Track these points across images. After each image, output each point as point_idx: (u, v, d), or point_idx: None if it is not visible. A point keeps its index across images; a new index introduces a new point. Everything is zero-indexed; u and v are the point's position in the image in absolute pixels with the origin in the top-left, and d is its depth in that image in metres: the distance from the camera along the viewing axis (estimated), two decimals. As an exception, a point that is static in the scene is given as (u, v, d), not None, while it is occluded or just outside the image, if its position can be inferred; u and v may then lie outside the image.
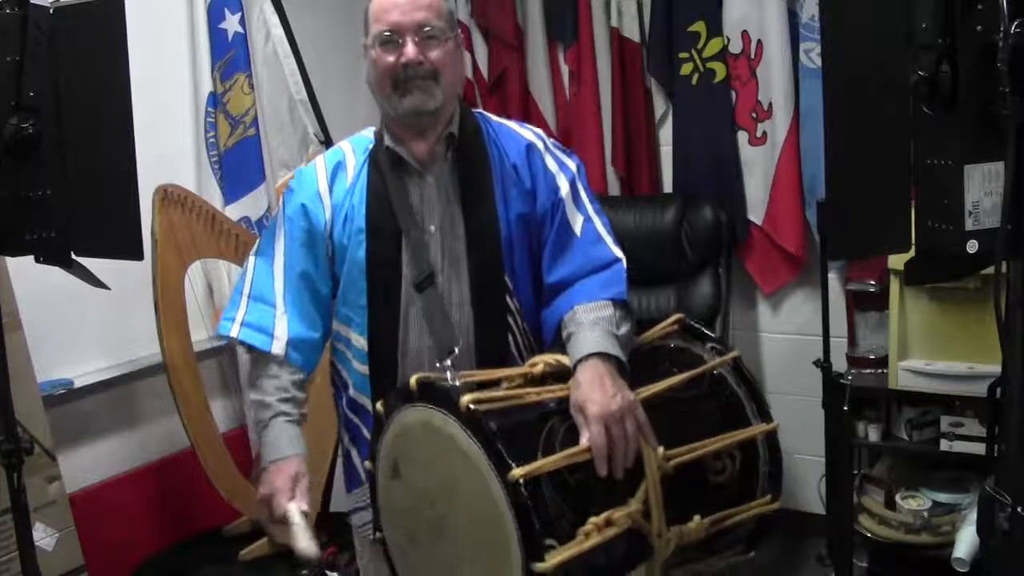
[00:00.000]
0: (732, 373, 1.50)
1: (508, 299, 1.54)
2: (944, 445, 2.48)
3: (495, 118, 1.64)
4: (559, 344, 1.48)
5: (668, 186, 3.17)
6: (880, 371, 2.56)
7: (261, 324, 1.54)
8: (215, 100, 2.64)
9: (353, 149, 1.60)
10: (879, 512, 2.55)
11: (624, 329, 1.46)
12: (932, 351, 2.43)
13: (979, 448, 2.39)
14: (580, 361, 1.37)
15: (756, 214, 2.99)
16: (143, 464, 2.54)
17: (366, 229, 1.52)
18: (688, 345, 1.56)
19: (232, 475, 2.43)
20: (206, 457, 2.36)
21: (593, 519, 1.24)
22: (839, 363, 2.46)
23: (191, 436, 2.34)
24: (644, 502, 1.30)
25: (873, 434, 2.62)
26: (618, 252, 1.56)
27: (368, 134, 1.62)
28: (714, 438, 1.41)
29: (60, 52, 1.46)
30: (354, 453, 1.62)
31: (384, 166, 1.54)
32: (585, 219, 1.56)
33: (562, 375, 1.40)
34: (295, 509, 1.41)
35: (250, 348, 1.56)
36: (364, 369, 1.55)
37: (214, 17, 2.62)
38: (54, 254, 1.51)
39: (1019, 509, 1.09)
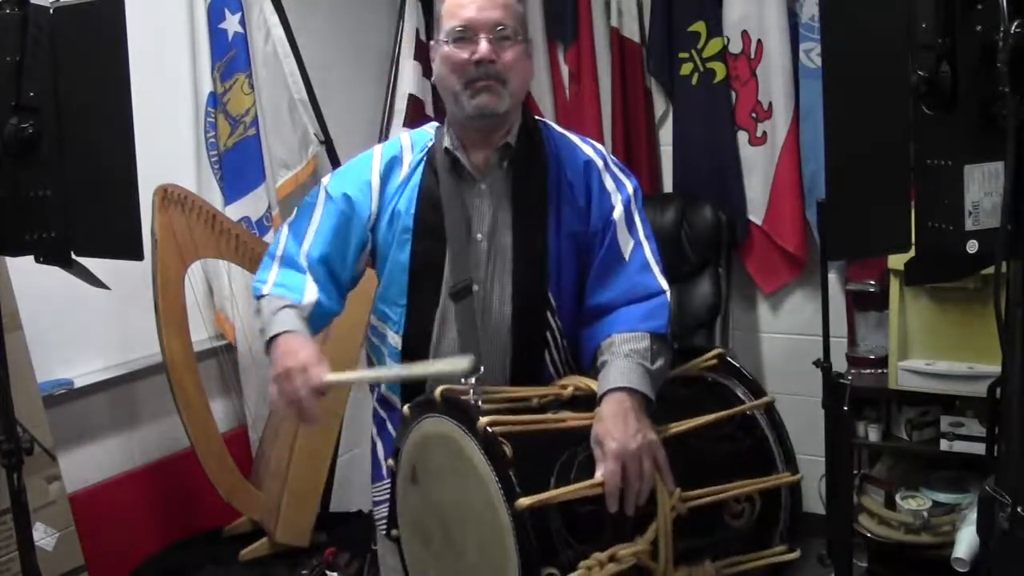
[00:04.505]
0: (764, 416, 1.48)
1: (550, 316, 1.52)
2: (944, 445, 2.48)
3: (558, 128, 1.62)
4: (597, 369, 1.47)
5: (668, 186, 3.17)
6: (880, 371, 2.57)
7: (293, 285, 1.52)
8: (215, 100, 2.64)
9: (412, 144, 1.58)
10: (879, 512, 2.55)
11: (659, 363, 1.43)
12: (932, 351, 2.43)
13: (979, 448, 2.39)
14: (606, 393, 1.36)
15: (756, 214, 2.99)
16: (143, 464, 2.54)
17: (413, 229, 1.51)
18: (725, 382, 1.53)
19: (232, 475, 2.43)
20: (206, 457, 2.36)
21: (596, 554, 1.24)
22: (839, 363, 2.46)
23: (191, 436, 2.34)
24: (653, 542, 1.28)
25: (873, 434, 2.62)
26: (663, 283, 1.53)
27: (430, 130, 1.60)
28: (737, 482, 1.38)
29: (60, 52, 1.46)
30: (379, 446, 1.63)
31: (440, 168, 1.52)
32: (636, 244, 1.54)
33: (588, 400, 1.40)
34: (334, 375, 1.36)
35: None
36: None
37: (214, 17, 2.62)
38: (54, 254, 1.52)
39: (1019, 509, 1.09)
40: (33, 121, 1.45)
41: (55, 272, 1.54)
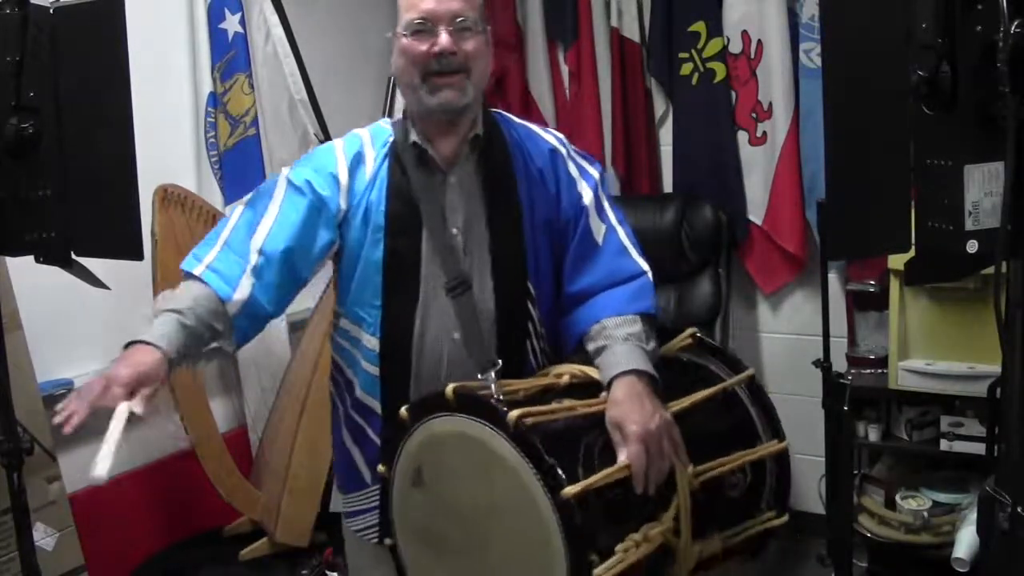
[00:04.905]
0: (744, 390, 1.50)
1: (530, 306, 1.52)
2: (944, 445, 2.48)
3: (516, 119, 1.61)
4: (581, 354, 1.47)
5: (668, 186, 3.17)
6: (880, 371, 2.56)
7: (229, 273, 1.42)
8: (215, 100, 2.64)
9: (372, 140, 1.53)
10: (879, 512, 2.55)
11: (652, 344, 1.45)
12: (932, 351, 2.43)
13: (979, 448, 2.39)
14: (616, 377, 1.36)
15: (756, 214, 2.99)
16: (143, 464, 2.54)
17: (385, 227, 1.47)
18: (703, 361, 1.55)
19: (232, 475, 2.43)
20: (206, 457, 2.36)
21: (633, 536, 1.25)
22: (839, 363, 2.46)
23: (191, 436, 2.34)
24: (675, 518, 1.31)
25: (873, 434, 2.62)
26: (643, 264, 1.54)
27: (386, 126, 1.56)
28: (735, 454, 1.41)
29: (60, 52, 1.46)
30: (356, 453, 1.59)
31: (408, 162, 1.48)
32: (608, 229, 1.54)
33: (587, 387, 1.40)
34: (124, 411, 1.20)
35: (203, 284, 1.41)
36: (374, 370, 1.51)
37: (214, 17, 2.62)
38: (54, 254, 1.51)
39: (1019, 509, 1.09)
40: (33, 121, 1.44)
41: (55, 272, 1.54)
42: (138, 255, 1.51)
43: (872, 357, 2.64)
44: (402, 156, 1.49)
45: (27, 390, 2.02)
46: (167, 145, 2.59)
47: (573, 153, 1.58)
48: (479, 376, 1.39)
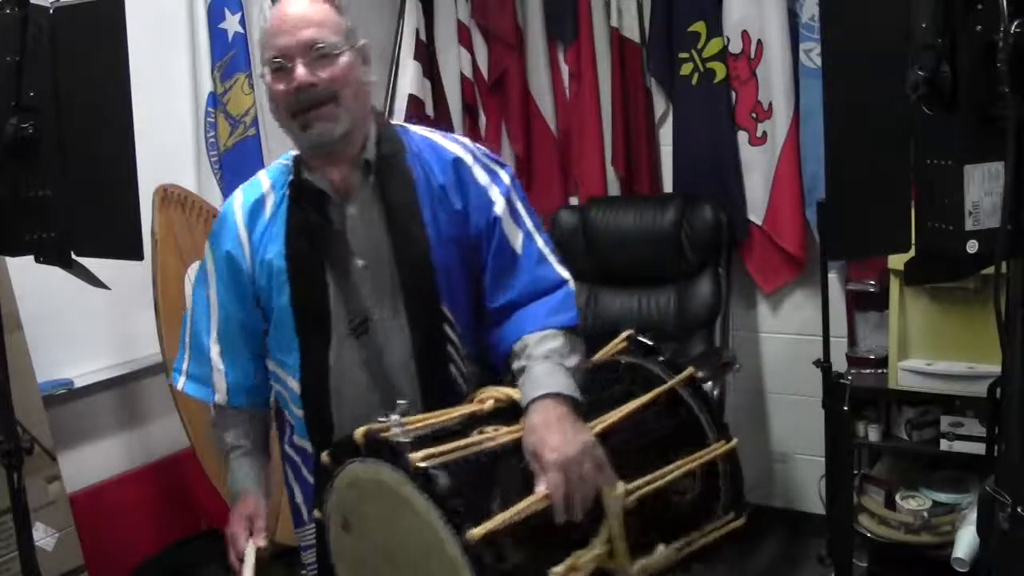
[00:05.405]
0: (687, 389, 1.44)
1: (447, 329, 1.46)
2: (944, 445, 2.48)
3: (418, 131, 1.53)
4: (511, 373, 1.41)
5: (668, 186, 3.17)
6: (880, 371, 2.56)
7: (201, 376, 1.54)
8: (215, 100, 2.64)
9: (272, 184, 1.50)
10: (879, 512, 2.55)
11: (574, 359, 1.38)
12: (932, 351, 2.44)
13: (979, 448, 2.39)
14: (532, 402, 1.30)
15: (756, 214, 2.99)
16: (143, 464, 2.54)
17: (288, 270, 1.44)
18: (641, 362, 1.48)
19: (232, 475, 2.43)
20: (206, 457, 2.36)
21: (555, 569, 1.18)
22: (839, 363, 2.46)
23: (191, 436, 2.34)
24: (608, 541, 1.24)
25: (873, 434, 2.62)
26: (564, 272, 1.48)
27: (288, 161, 1.52)
28: (676, 463, 1.34)
29: (60, 52, 1.46)
30: (296, 491, 1.58)
31: (306, 199, 1.45)
32: (525, 236, 1.47)
33: (511, 410, 1.33)
34: (250, 551, 1.43)
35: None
36: (300, 413, 1.50)
37: (214, 17, 2.62)
38: (54, 254, 1.51)
39: (1019, 509, 1.09)
40: (33, 121, 1.44)
41: (55, 272, 1.54)
42: (138, 255, 1.51)
43: (872, 357, 2.64)
44: (300, 194, 1.46)
45: (27, 390, 2.03)
46: (167, 145, 2.60)
47: (480, 157, 1.50)
48: (384, 418, 1.31)
